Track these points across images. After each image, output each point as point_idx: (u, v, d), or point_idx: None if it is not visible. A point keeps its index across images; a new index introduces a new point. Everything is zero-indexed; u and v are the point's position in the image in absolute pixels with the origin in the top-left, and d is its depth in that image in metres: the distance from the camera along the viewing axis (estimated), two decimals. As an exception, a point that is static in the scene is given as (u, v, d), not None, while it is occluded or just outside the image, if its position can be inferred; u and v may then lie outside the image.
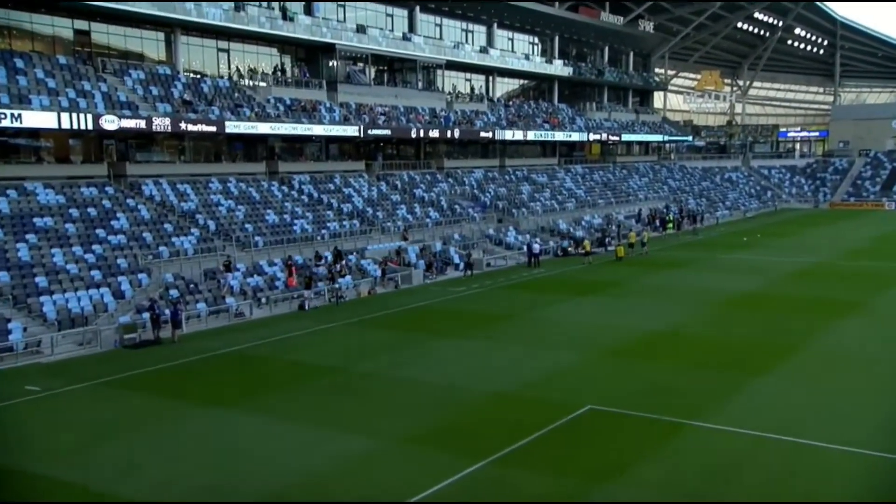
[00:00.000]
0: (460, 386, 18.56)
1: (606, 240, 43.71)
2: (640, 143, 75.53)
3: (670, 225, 52.78)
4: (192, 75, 39.86)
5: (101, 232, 29.16)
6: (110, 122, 31.35)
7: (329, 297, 30.55)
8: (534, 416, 16.36)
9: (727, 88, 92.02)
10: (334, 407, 17.38)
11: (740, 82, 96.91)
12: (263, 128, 38.04)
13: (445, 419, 16.39)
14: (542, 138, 59.17)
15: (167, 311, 24.98)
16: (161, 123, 33.23)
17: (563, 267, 38.90)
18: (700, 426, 15.60)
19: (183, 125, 34.21)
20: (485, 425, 16.02)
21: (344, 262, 33.95)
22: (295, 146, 45.44)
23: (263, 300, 28.87)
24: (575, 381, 18.92)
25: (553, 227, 48.09)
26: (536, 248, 39.83)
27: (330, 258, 33.28)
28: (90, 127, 30.76)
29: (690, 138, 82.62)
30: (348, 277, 32.58)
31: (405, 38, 50.29)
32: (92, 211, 30.23)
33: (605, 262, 40.01)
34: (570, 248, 43.02)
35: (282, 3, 43.21)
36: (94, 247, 28.14)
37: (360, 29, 46.84)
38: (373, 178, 46.13)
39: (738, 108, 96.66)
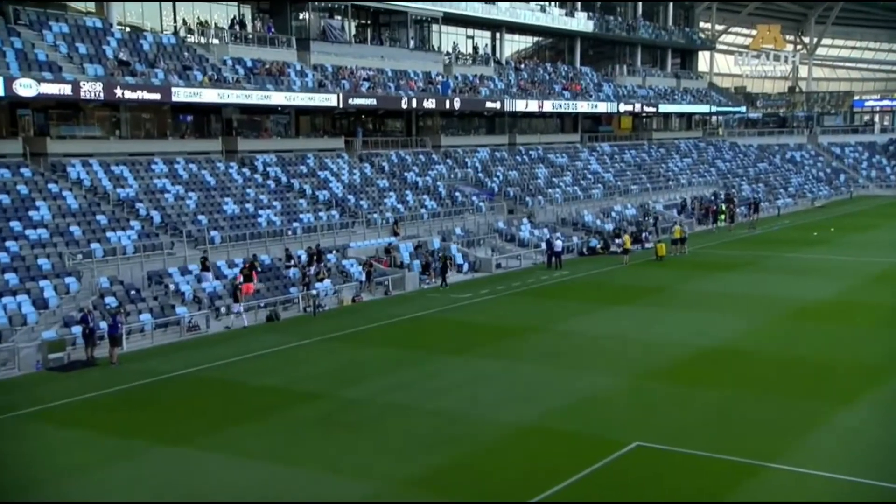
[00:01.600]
0: (471, 416, 18.50)
1: (643, 235, 43.75)
2: (681, 115, 75.83)
3: (722, 217, 52.94)
4: (129, 30, 39.66)
5: (16, 225, 28.99)
6: (26, 88, 31.10)
7: (304, 307, 30.44)
8: (566, 456, 16.25)
9: (789, 47, 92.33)
10: (317, 443, 17.24)
11: (805, 39, 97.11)
12: (218, 96, 37.85)
13: (454, 458, 16.31)
14: (562, 110, 59.44)
15: (103, 325, 24.79)
16: (91, 90, 33.03)
17: (590, 268, 39.00)
18: (779, 469, 15.51)
19: (118, 92, 34.03)
20: (503, 467, 15.92)
21: (323, 263, 33.84)
22: (258, 119, 45.30)
23: (223, 310, 28.69)
24: (614, 410, 18.85)
25: (576, 220, 48.24)
26: (559, 245, 39.94)
27: (304, 258, 33.09)
28: (0, 93, 30.53)
29: (743, 109, 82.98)
30: (327, 281, 32.49)
31: (394, -16, 50.30)
32: (4, 198, 30.07)
33: (642, 262, 40.12)
34: (599, 247, 43.07)
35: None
36: (9, 244, 27.95)
37: (338, -28, 46.87)
38: (354, 159, 46.11)
39: (803, 71, 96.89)
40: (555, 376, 21.45)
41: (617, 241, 42.90)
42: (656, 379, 21.03)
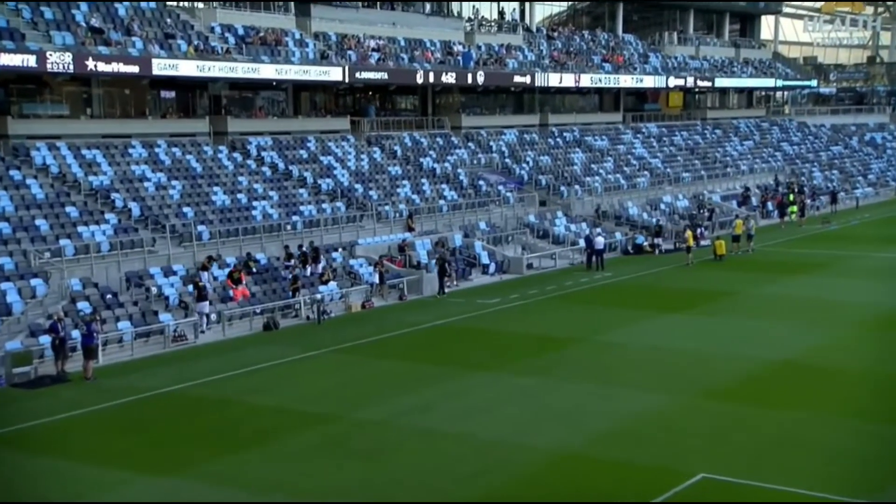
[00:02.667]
0: (503, 442, 18.44)
1: (698, 230, 43.58)
2: (740, 90, 75.53)
3: (793, 210, 52.64)
4: (103, -7, 39.92)
5: (-25, 219, 29.37)
6: (-14, 60, 31.43)
7: (307, 314, 30.49)
8: (618, 489, 16.12)
9: (869, 10, 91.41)
10: (327, 473, 17.21)
11: (889, 1, 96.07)
12: (197, 68, 37.93)
13: (485, 491, 16.13)
14: (601, 85, 59.31)
15: (76, 334, 24.89)
16: (59, 61, 33.19)
17: (636, 269, 38.93)
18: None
19: (90, 64, 34.20)
20: (543, 502, 15.82)
21: (326, 263, 33.87)
22: (251, 96, 45.43)
23: (214, 317, 28.75)
24: (671, 435, 18.73)
25: (619, 213, 48.14)
26: (601, 242, 39.85)
27: (295, 258, 33.13)
28: (-46, 66, 30.97)
29: (814, 84, 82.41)
30: (333, 284, 32.48)
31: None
32: (-37, 188, 30.44)
33: (697, 262, 39.93)
34: (646, 245, 42.92)
35: None
36: (-32, 240, 28.32)
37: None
38: (362, 142, 46.17)
39: (885, 38, 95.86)
40: (599, 395, 21.38)
41: (657, 239, 42.68)
42: (718, 398, 20.87)
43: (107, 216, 31.90)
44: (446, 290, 35.09)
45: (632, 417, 19.79)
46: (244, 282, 30.23)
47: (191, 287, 29.10)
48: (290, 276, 31.60)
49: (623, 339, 26.91)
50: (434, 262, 35.19)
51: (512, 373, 23.40)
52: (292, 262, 32.67)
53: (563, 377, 22.99)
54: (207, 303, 28.52)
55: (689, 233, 40.89)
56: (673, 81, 63.69)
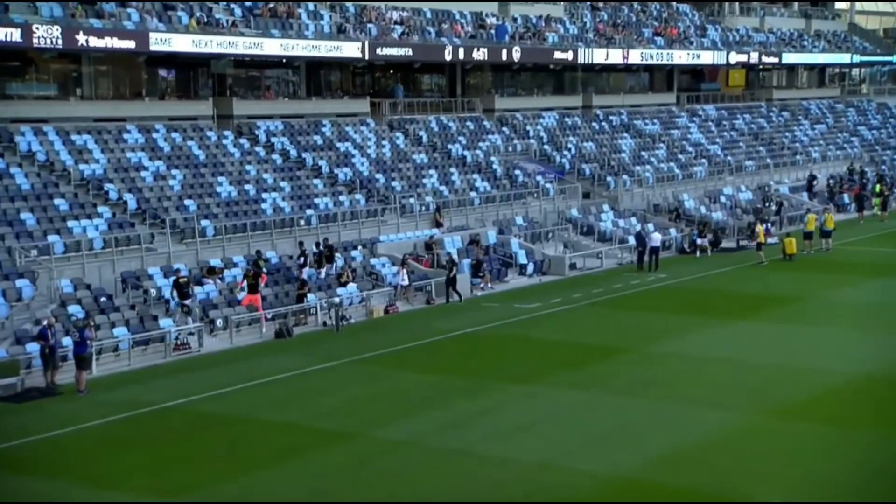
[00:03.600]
0: (547, 465, 18.33)
1: (765, 226, 43.19)
2: (811, 67, 74.82)
3: (877, 202, 52.04)
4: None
5: (-46, 212, 29.64)
6: (-37, 35, 31.69)
7: (324, 319, 30.52)
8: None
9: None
10: (348, 498, 17.17)
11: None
12: (193, 43, 37.95)
13: (533, 521, 16.19)
14: (653, 61, 59.00)
15: (67, 341, 24.98)
16: (46, 35, 33.41)
17: (694, 270, 38.70)
18: None
19: (81, 38, 34.39)
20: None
21: (344, 262, 33.86)
22: (259, 75, 45.54)
23: (220, 323, 28.88)
24: (741, 458, 18.55)
25: (673, 206, 47.85)
26: (656, 239, 39.59)
27: (308, 256, 33.07)
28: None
29: None
30: (353, 286, 32.54)
31: None
32: (-60, 178, 30.78)
33: (762, 261, 39.63)
34: (704, 243, 42.64)
35: None
36: (-53, 236, 28.58)
37: None
38: (383, 127, 46.17)
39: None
40: (655, 413, 21.26)
41: (700, 239, 42.27)
42: (792, 418, 20.69)
43: (100, 209, 32.01)
44: (478, 292, 35.01)
45: (694, 438, 19.62)
46: (261, 286, 30.08)
47: (169, 282, 29.24)
48: (297, 279, 31.59)
49: (681, 349, 26.69)
50: (451, 262, 34.70)
51: (554, 386, 23.32)
52: (306, 260, 32.63)
53: (612, 392, 22.86)
54: (190, 301, 28.74)
55: (759, 228, 40.58)
56: (734, 57, 63.19)
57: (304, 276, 31.82)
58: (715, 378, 24.00)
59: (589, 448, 19.27)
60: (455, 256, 35.54)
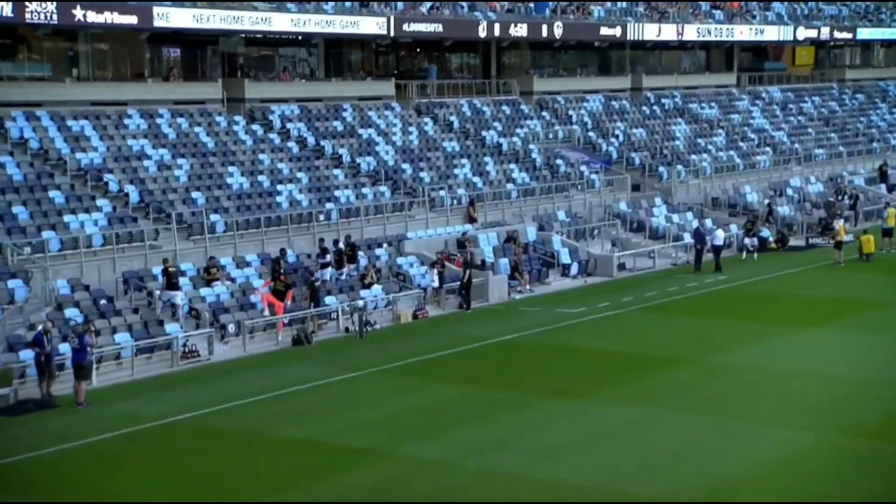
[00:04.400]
0: (603, 487, 18.16)
1: (839, 222, 42.77)
2: (888, 43, 73.92)
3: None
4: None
5: (-62, 205, 29.79)
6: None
7: (347, 325, 30.58)
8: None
9: None
10: (379, 526, 17.18)
11: None
12: (217, 20, 38.15)
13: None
14: (710, 38, 58.69)
15: (64, 349, 25.01)
16: (40, 10, 33.56)
17: (759, 271, 38.52)
18: None
19: (78, 13, 34.53)
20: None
21: (368, 262, 33.79)
22: (272, 54, 45.61)
23: (231, 328, 28.91)
24: (816, 482, 18.35)
25: (734, 200, 47.66)
26: (719, 238, 39.34)
27: (331, 253, 33.11)
28: None
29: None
30: (377, 288, 32.47)
31: None
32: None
33: (833, 262, 39.29)
34: (772, 241, 42.31)
35: None
36: (-68, 231, 28.69)
37: None
38: (410, 111, 46.14)
39: None
40: (719, 431, 21.03)
41: (747, 239, 41.90)
42: (868, 437, 20.44)
43: (99, 203, 32.09)
44: (516, 295, 34.93)
45: (762, 460, 19.40)
46: (290, 298, 29.98)
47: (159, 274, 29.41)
48: (308, 280, 31.54)
49: (746, 360, 26.48)
50: (466, 265, 34.21)
51: (606, 402, 23.16)
52: (328, 257, 32.56)
53: (670, 408, 22.64)
54: (179, 292, 28.80)
55: (839, 225, 40.25)
56: (802, 33, 62.76)
57: (318, 276, 31.73)
58: (785, 393, 23.79)
59: (646, 471, 19.02)
60: (476, 257, 35.66)
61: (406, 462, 19.73)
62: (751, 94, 61.62)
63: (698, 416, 22.03)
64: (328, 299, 31.30)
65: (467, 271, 33.60)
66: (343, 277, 32.90)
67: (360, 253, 34.42)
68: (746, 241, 41.83)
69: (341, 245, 33.71)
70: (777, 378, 24.94)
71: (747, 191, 48.58)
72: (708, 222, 42.33)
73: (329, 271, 32.55)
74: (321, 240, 33.52)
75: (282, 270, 30.72)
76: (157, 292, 28.99)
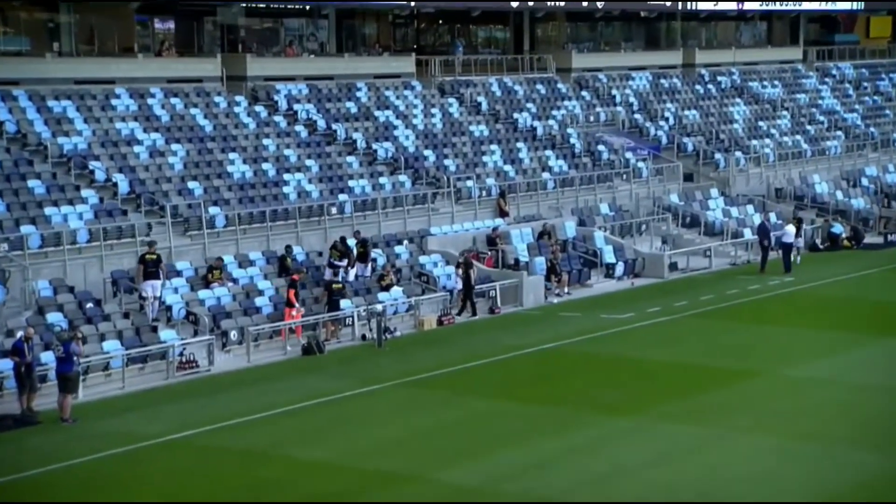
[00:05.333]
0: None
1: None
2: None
3: None
4: None
5: None
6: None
7: (364, 332, 30.60)
8: None
9: None
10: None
11: None
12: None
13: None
14: (772, 7, 58.54)
15: (47, 358, 24.99)
16: (18, -23, 33.69)
17: (831, 271, 38.53)
18: None
19: (61, -18, 34.67)
20: None
21: (387, 262, 33.84)
22: (278, 26, 45.59)
23: (234, 335, 28.91)
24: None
25: (801, 192, 47.47)
26: (789, 234, 39.04)
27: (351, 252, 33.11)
28: None
29: None
30: (398, 290, 32.47)
31: None
32: None
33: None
34: (844, 238, 42.13)
35: None
36: None
37: None
38: (433, 91, 46.13)
39: None
40: (794, 453, 20.89)
41: (798, 237, 41.54)
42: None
43: (84, 193, 32.10)
44: (554, 298, 35.00)
45: (846, 485, 19.31)
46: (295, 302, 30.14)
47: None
48: (324, 281, 31.65)
49: (822, 373, 26.41)
50: (456, 271, 33.90)
51: (659, 420, 23.05)
52: (350, 260, 32.51)
53: (733, 427, 22.51)
54: (158, 282, 28.91)
55: None
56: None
57: (341, 277, 31.85)
58: (868, 410, 23.67)
59: (707, 498, 18.79)
60: (508, 255, 35.70)
61: (434, 487, 19.62)
62: (819, 70, 61.33)
63: (769, 437, 21.86)
64: (344, 304, 31.26)
65: (469, 271, 33.43)
66: (351, 279, 32.68)
67: (378, 251, 34.37)
68: (805, 245, 41.26)
69: (347, 241, 33.60)
70: (857, 393, 24.87)
71: (815, 181, 48.32)
72: (772, 217, 42.00)
73: (342, 273, 32.42)
74: (338, 240, 33.09)
75: (296, 269, 30.97)
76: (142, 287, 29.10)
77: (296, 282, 30.30)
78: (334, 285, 31.11)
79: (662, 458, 20.94)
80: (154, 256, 29.23)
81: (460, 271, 33.51)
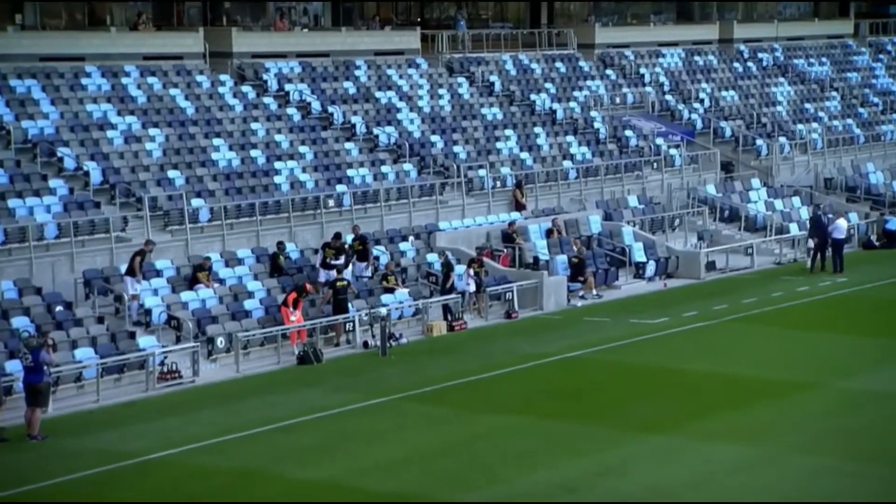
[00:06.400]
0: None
1: None
2: None
3: None
4: None
5: None
6: None
7: (366, 339, 30.66)
8: None
9: None
10: None
11: None
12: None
13: None
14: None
15: (14, 367, 25.01)
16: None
17: (887, 272, 38.50)
18: None
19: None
20: None
21: (391, 260, 33.79)
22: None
23: (221, 342, 28.90)
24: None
25: (853, 182, 47.45)
26: (840, 230, 39.05)
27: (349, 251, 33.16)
28: None
29: None
30: (403, 293, 32.53)
31: None
32: None
33: None
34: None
35: None
36: None
37: None
38: (440, 69, 46.17)
39: None
40: (861, 477, 20.80)
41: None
42: None
43: (52, 184, 32.11)
44: (578, 301, 34.95)
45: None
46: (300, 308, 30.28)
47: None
48: (327, 282, 31.69)
49: (882, 385, 26.37)
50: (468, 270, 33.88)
51: (700, 438, 23.04)
52: (347, 259, 32.50)
53: (787, 446, 22.38)
54: (135, 280, 29.08)
55: None
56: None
57: (323, 278, 32.02)
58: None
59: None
60: (526, 253, 35.71)
61: (449, 515, 19.66)
62: (872, 46, 61.36)
63: (820, 457, 21.79)
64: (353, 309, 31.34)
65: (451, 275, 33.39)
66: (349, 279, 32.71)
67: (380, 248, 34.37)
68: (811, 242, 40.21)
69: (347, 238, 33.63)
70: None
71: (869, 170, 48.26)
72: (825, 208, 41.90)
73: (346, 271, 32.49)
74: (337, 234, 33.15)
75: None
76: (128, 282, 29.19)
77: (306, 293, 30.25)
78: (339, 283, 31.12)
79: (703, 481, 20.84)
80: (147, 249, 29.59)
81: (472, 271, 33.55)
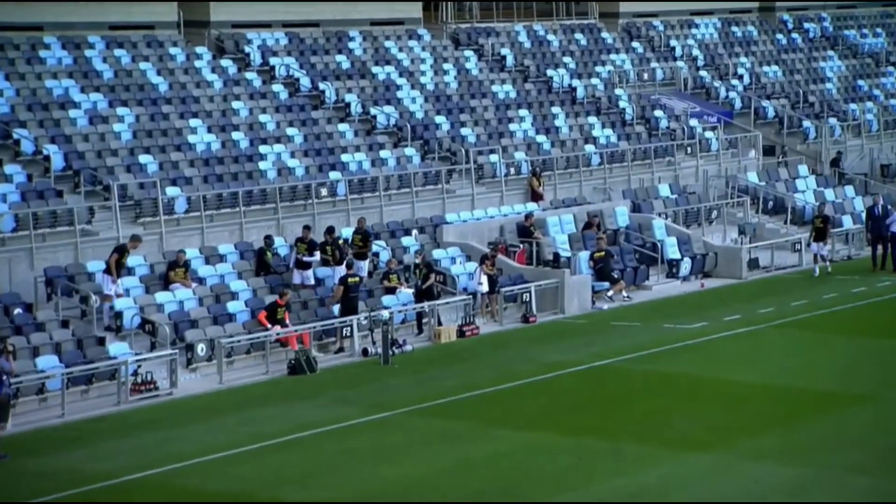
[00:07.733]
0: None
1: None
2: None
3: None
4: None
5: None
6: None
7: (366, 346, 30.74)
8: None
9: None
10: None
11: None
12: None
13: None
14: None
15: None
16: None
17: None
18: None
19: None
20: None
21: (392, 257, 33.89)
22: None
23: (201, 349, 28.92)
24: None
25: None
26: (897, 221, 39.24)
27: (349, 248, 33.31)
28: None
29: None
30: (406, 293, 32.70)
31: None
32: None
33: None
34: (821, 249, 42.16)
35: None
36: None
37: None
38: (445, 41, 46.37)
39: None
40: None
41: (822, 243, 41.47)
42: None
43: (7, 170, 32.22)
44: (604, 304, 35.07)
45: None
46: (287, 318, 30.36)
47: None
48: (338, 281, 31.82)
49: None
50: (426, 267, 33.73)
51: (747, 456, 23.05)
52: (316, 255, 32.48)
53: (845, 465, 22.43)
54: (111, 281, 29.17)
55: None
56: None
57: (297, 280, 32.16)
58: None
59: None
60: (544, 249, 35.93)
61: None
62: (933, 15, 61.25)
63: (881, 478, 21.78)
64: (334, 309, 31.49)
65: (430, 276, 33.25)
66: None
67: (380, 243, 34.51)
68: (814, 246, 40.19)
69: (346, 232, 33.75)
70: None
71: (931, 156, 48.43)
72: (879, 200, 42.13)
73: (322, 270, 32.85)
74: (328, 231, 33.28)
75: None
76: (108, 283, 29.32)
77: (279, 306, 30.13)
78: (350, 280, 31.23)
79: (760, 500, 20.86)
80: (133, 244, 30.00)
81: (484, 269, 33.61)
